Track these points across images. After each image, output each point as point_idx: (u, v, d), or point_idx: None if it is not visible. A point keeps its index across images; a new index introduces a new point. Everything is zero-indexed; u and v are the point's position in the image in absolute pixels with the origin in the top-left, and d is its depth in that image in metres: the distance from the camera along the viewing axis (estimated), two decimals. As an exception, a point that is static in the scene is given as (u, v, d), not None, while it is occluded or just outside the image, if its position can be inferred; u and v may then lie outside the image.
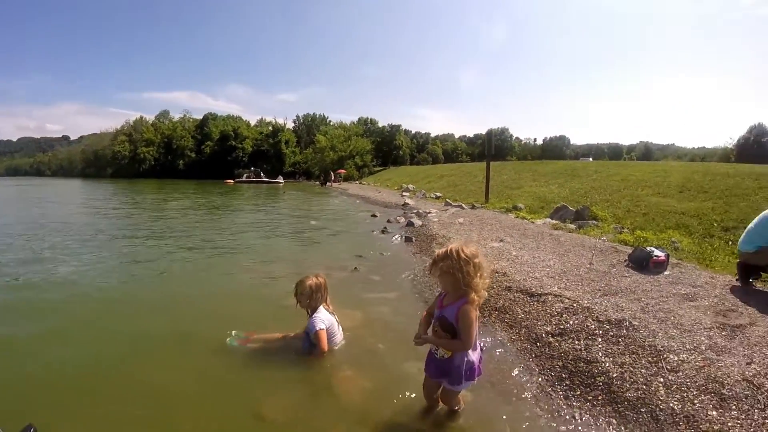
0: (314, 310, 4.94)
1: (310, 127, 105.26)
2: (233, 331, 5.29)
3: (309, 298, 4.94)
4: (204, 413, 3.91)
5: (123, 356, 5.19)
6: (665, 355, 3.94)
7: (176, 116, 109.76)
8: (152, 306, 7.03)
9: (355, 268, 8.90)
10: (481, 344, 3.59)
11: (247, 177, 72.29)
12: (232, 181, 69.30)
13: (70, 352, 5.30)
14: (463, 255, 3.18)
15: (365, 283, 7.76)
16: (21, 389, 4.45)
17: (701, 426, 3.11)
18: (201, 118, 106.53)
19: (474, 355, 3.36)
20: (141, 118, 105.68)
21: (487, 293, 3.39)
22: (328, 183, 59.72)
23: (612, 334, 4.51)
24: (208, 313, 6.59)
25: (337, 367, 4.64)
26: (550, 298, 5.65)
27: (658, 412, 3.34)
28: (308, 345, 4.92)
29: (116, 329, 6.02)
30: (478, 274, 3.21)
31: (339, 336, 5.04)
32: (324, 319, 4.85)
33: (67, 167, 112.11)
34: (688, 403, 3.34)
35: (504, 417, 3.63)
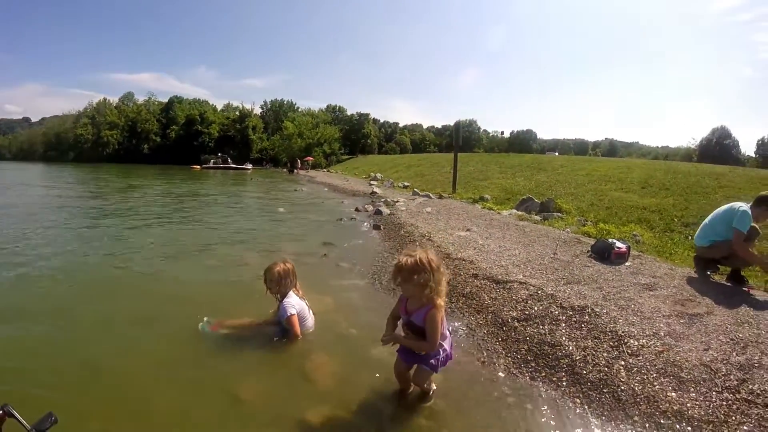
0: (284, 296, 4.96)
1: (277, 113, 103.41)
2: (205, 318, 5.26)
3: (278, 284, 4.97)
4: (178, 398, 3.91)
5: (90, 341, 5.14)
6: (626, 340, 4.13)
7: (141, 99, 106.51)
8: (120, 291, 6.88)
9: (324, 254, 8.92)
10: (449, 328, 3.66)
11: (214, 163, 70.70)
12: (198, 167, 67.20)
13: (36, 335, 5.25)
14: (434, 264, 3.22)
15: (334, 270, 7.78)
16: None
17: (661, 406, 3.30)
18: (166, 101, 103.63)
19: (446, 343, 3.48)
20: (104, 100, 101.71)
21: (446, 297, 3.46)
22: (295, 170, 58.84)
23: (575, 320, 4.70)
24: (178, 299, 6.50)
25: (310, 352, 4.67)
26: (515, 285, 5.80)
27: (619, 393, 3.52)
28: (280, 330, 4.96)
29: (83, 314, 5.93)
30: (444, 279, 3.31)
31: (310, 320, 5.08)
32: (294, 304, 4.89)
33: (27, 150, 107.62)
34: (648, 385, 3.52)
35: (473, 397, 3.75)
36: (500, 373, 4.13)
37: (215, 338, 5.02)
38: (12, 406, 1.14)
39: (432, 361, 3.42)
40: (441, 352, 3.43)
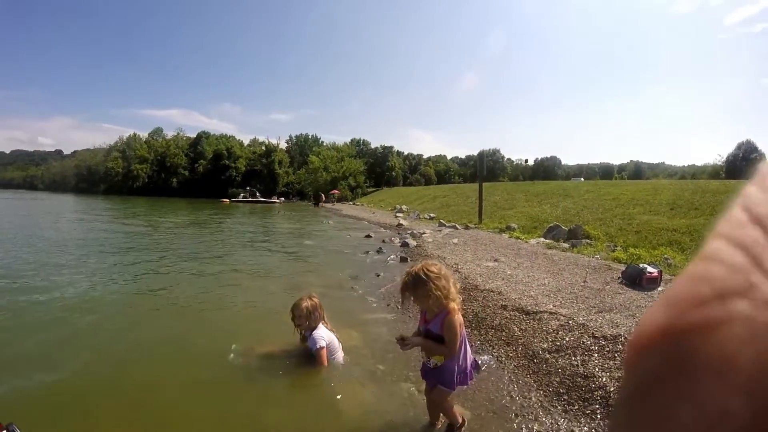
0: (313, 329, 4.99)
1: (303, 147, 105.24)
2: (233, 345, 5.35)
3: (307, 319, 5.01)
4: (205, 425, 3.97)
5: (122, 367, 5.26)
6: None
7: (170, 134, 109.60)
8: (152, 319, 7.08)
9: (352, 287, 8.94)
10: (473, 355, 3.65)
11: (243, 197, 71.77)
12: (227, 200, 68.88)
13: (69, 360, 5.38)
14: (432, 274, 3.27)
15: (362, 303, 7.78)
16: (19, 396, 4.52)
17: None
18: (194, 136, 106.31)
19: (466, 361, 3.46)
20: (134, 135, 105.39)
21: (460, 296, 3.46)
22: (320, 204, 59.33)
23: (608, 349, 4.58)
24: (208, 328, 6.66)
25: (338, 384, 4.68)
26: (545, 316, 5.71)
27: None
28: (309, 360, 5.01)
29: (116, 341, 6.10)
30: (450, 282, 3.32)
31: (340, 354, 5.10)
32: (324, 336, 4.94)
33: (60, 182, 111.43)
34: None
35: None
36: (532, 407, 4.03)
37: (244, 366, 5.09)
38: (16, 425, 1.15)
39: (447, 377, 3.42)
40: (456, 368, 3.41)
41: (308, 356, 5.00)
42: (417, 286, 3.29)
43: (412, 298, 3.40)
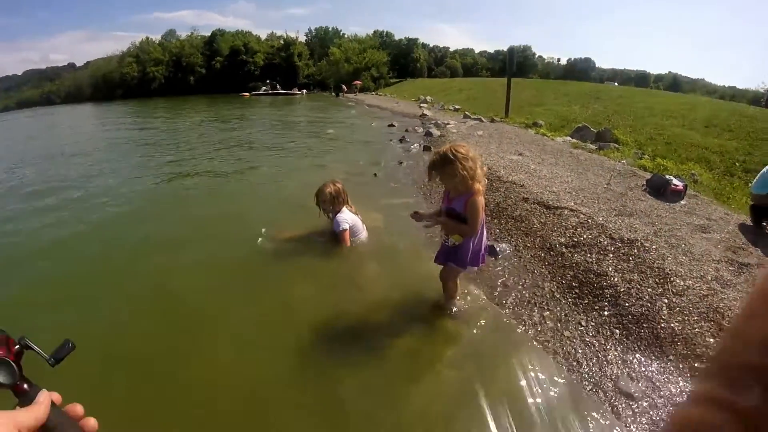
0: (337, 212, 5.19)
1: (323, 40, 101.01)
2: (263, 229, 5.54)
3: (331, 204, 5.20)
4: (238, 303, 4.27)
5: (151, 256, 5.59)
6: (672, 279, 4.04)
7: (183, 35, 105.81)
8: (177, 209, 7.54)
9: (375, 174, 9.03)
10: (489, 241, 3.75)
11: (264, 90, 70.88)
12: (248, 94, 67.87)
13: (96, 254, 5.85)
14: (460, 154, 3.29)
15: (385, 189, 7.91)
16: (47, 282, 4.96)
17: (697, 349, 3.26)
18: (209, 35, 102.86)
19: (481, 244, 3.56)
20: (147, 38, 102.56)
21: (486, 179, 3.50)
22: (341, 94, 58.26)
23: (623, 252, 4.62)
24: (234, 215, 6.98)
25: (360, 262, 4.97)
26: (565, 212, 5.74)
27: (659, 330, 3.49)
28: (334, 243, 5.23)
29: (142, 233, 6.51)
30: (477, 165, 3.34)
31: (364, 233, 5.35)
32: (347, 218, 5.15)
33: (75, 93, 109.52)
34: (688, 327, 3.47)
35: (515, 317, 3.86)
36: (544, 296, 4.19)
37: (271, 249, 5.37)
38: (28, 337, 1.06)
39: (461, 256, 3.56)
40: (471, 248, 3.53)
41: (333, 238, 5.22)
42: (445, 164, 3.34)
43: (439, 177, 3.46)
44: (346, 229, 5.08)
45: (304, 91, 73.05)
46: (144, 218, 7.29)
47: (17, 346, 1.04)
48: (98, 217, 7.41)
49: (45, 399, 0.97)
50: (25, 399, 0.97)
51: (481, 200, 3.32)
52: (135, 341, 3.75)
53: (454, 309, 3.90)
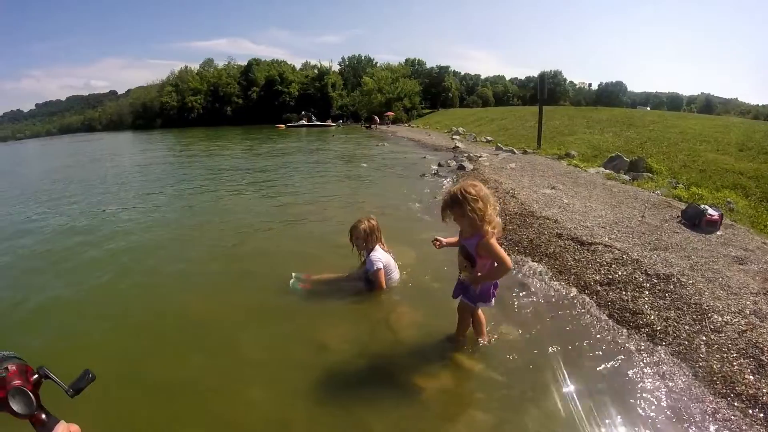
0: (370, 251, 5.21)
1: (356, 69, 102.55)
2: (293, 274, 5.64)
3: (365, 241, 5.23)
4: (268, 343, 4.43)
5: (184, 290, 5.85)
6: (710, 315, 4.00)
7: (220, 64, 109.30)
8: (210, 245, 7.68)
9: (408, 208, 9.15)
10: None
11: (302, 121, 71.71)
12: (283, 126, 68.76)
13: (127, 286, 6.09)
14: (470, 195, 3.35)
15: (418, 223, 7.95)
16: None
17: (737, 387, 3.20)
18: (245, 64, 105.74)
19: (485, 284, 3.67)
20: (186, 67, 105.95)
21: (500, 219, 3.57)
22: (373, 126, 58.15)
23: (659, 288, 4.60)
24: (267, 252, 7.15)
25: (394, 303, 5.01)
26: (600, 248, 5.75)
27: (697, 369, 3.45)
28: (366, 283, 5.26)
29: (173, 267, 6.75)
30: (489, 205, 3.39)
31: (396, 274, 5.33)
32: (381, 257, 5.15)
33: (117, 121, 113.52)
34: (727, 364, 3.42)
35: (548, 359, 3.84)
36: (581, 333, 4.19)
37: (303, 292, 5.42)
38: (47, 367, 1.13)
39: (471, 292, 3.74)
40: (479, 286, 3.66)
41: (366, 278, 5.27)
42: (453, 205, 3.43)
43: (448, 217, 3.55)
44: (381, 269, 5.08)
45: (340, 122, 74.61)
46: (175, 249, 7.63)
47: (35, 376, 1.09)
48: (128, 246, 7.82)
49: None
50: (42, 430, 1.03)
51: (492, 241, 3.36)
52: (160, 372, 3.95)
53: (462, 339, 4.05)
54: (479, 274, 3.57)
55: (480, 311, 4.00)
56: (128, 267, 6.80)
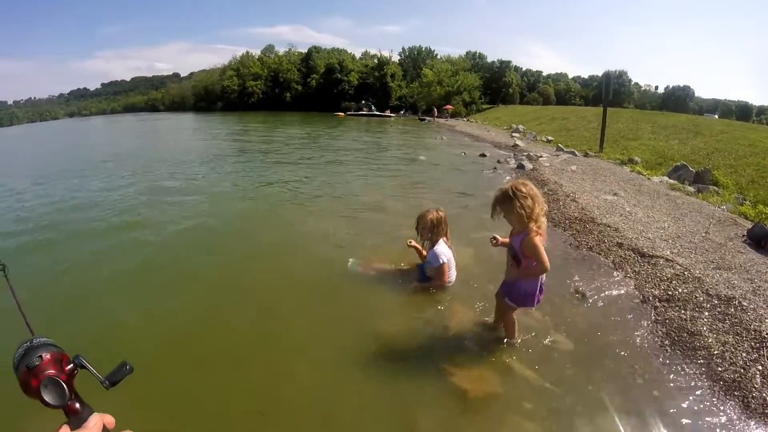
0: (434, 243, 5.26)
1: (416, 60, 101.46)
2: (350, 258, 5.80)
3: (430, 231, 5.28)
4: (320, 323, 4.67)
5: (244, 269, 6.16)
6: None
7: (281, 50, 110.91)
8: (275, 226, 8.16)
9: (466, 205, 9.19)
10: (544, 281, 3.92)
11: (363, 109, 72.54)
12: (342, 113, 69.80)
13: (194, 262, 6.50)
14: (520, 192, 3.55)
15: (476, 222, 7.95)
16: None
17: None
18: (306, 51, 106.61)
19: (533, 285, 3.82)
20: (247, 53, 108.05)
21: (546, 219, 3.71)
22: (429, 119, 58.32)
23: (719, 310, 4.51)
24: (325, 238, 7.31)
25: (449, 300, 5.09)
26: (661, 262, 5.69)
27: (750, 399, 3.39)
28: (422, 277, 5.38)
29: (237, 246, 7.15)
30: (537, 204, 3.56)
31: (454, 272, 5.39)
32: (445, 252, 5.20)
33: (179, 102, 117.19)
34: None
35: (599, 372, 3.88)
36: (634, 352, 4.15)
37: (360, 278, 5.62)
38: (83, 356, 1.10)
39: (513, 293, 3.93)
40: (524, 288, 3.83)
41: (422, 270, 5.42)
42: (504, 202, 3.64)
43: (502, 214, 3.73)
44: (445, 263, 5.11)
45: (402, 111, 75.59)
46: (238, 229, 8.05)
47: (70, 366, 1.08)
48: (190, 225, 8.21)
49: (96, 423, 1.02)
50: (75, 420, 1.02)
51: (536, 240, 3.51)
52: (209, 346, 4.23)
53: (513, 337, 4.20)
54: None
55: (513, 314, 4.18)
56: (194, 241, 7.19)
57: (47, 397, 0.98)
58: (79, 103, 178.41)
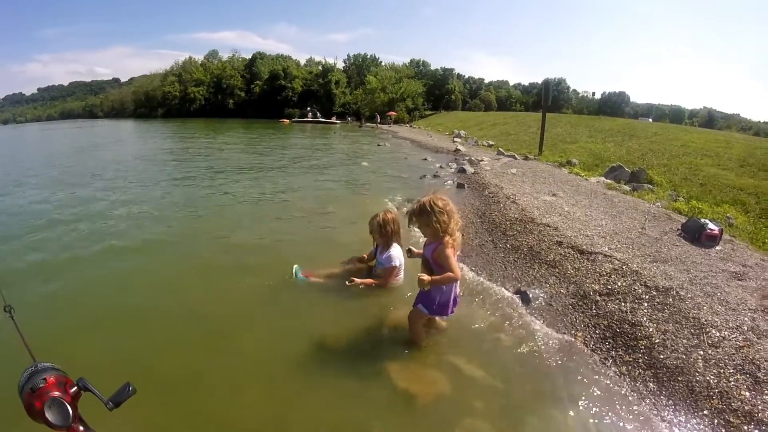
0: (388, 245, 5.22)
1: (360, 67, 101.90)
2: (295, 265, 5.64)
3: (377, 233, 5.22)
4: (268, 339, 4.45)
5: (187, 285, 5.78)
6: (708, 330, 4.01)
7: (225, 56, 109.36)
8: (211, 242, 7.57)
9: (406, 211, 9.12)
10: (458, 293, 4.06)
11: (309, 116, 72.36)
12: (287, 120, 69.47)
13: (126, 278, 6.07)
14: (437, 207, 3.69)
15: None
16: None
17: (733, 403, 3.22)
18: (250, 57, 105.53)
19: (449, 294, 3.89)
20: (190, 58, 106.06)
21: (460, 234, 3.90)
22: (369, 125, 58.46)
23: (658, 300, 4.60)
24: (267, 249, 7.10)
25: (392, 304, 4.99)
26: (599, 258, 5.75)
27: (694, 383, 3.46)
28: (367, 273, 5.39)
29: (174, 261, 6.79)
30: (452, 220, 3.71)
31: (401, 276, 5.34)
32: (399, 256, 5.18)
33: (118, 108, 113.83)
34: (724, 380, 3.43)
35: (546, 368, 3.89)
36: (576, 346, 4.20)
37: (305, 287, 5.43)
38: (87, 379, 1.14)
39: (427, 302, 3.91)
40: (437, 297, 3.86)
41: (365, 275, 5.37)
42: (421, 214, 3.78)
43: (417, 225, 3.93)
44: (396, 266, 5.12)
45: (348, 119, 75.38)
46: (178, 240, 7.66)
47: (74, 388, 1.10)
48: (130, 237, 7.76)
49: None
50: None
51: (449, 251, 3.63)
52: (157, 368, 3.92)
53: (420, 344, 4.16)
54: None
55: (438, 320, 4.33)
56: (126, 260, 6.77)
57: (51, 418, 1.00)
58: (15, 109, 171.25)
